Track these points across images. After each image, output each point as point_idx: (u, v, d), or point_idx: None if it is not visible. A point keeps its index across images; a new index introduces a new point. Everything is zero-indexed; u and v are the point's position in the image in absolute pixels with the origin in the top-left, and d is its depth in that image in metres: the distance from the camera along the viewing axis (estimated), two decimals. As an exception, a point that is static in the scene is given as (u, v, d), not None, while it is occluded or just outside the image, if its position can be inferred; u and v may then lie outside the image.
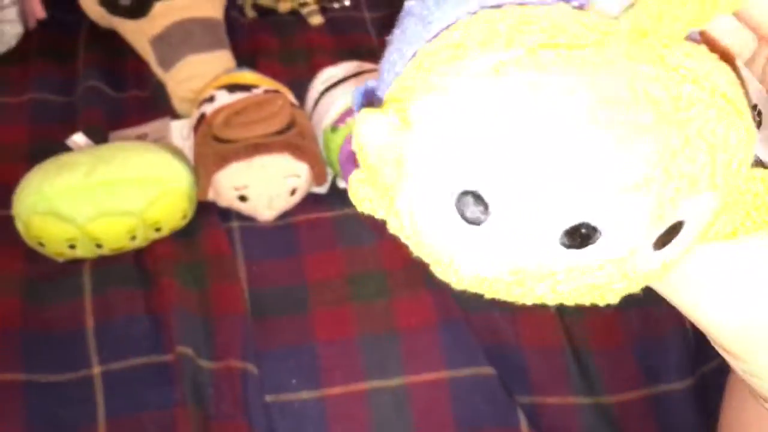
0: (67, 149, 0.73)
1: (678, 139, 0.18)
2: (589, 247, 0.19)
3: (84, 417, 0.59)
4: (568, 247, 0.19)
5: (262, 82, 0.75)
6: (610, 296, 0.21)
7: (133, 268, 0.68)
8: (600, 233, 0.19)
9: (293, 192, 0.71)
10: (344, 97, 0.73)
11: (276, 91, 0.74)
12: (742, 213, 0.21)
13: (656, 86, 0.18)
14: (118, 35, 0.87)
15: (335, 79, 0.77)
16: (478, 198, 0.19)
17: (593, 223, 0.18)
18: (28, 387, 0.60)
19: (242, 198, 0.70)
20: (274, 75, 0.79)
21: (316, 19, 0.95)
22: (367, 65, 0.80)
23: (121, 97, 0.83)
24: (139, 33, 0.84)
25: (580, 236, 0.19)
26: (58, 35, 0.90)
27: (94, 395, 0.60)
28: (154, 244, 0.69)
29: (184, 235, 0.70)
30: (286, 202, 0.71)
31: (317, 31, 0.94)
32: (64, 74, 0.85)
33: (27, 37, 0.88)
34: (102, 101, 0.82)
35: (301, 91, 0.80)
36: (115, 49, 0.87)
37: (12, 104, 0.81)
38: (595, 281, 0.20)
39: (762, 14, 0.21)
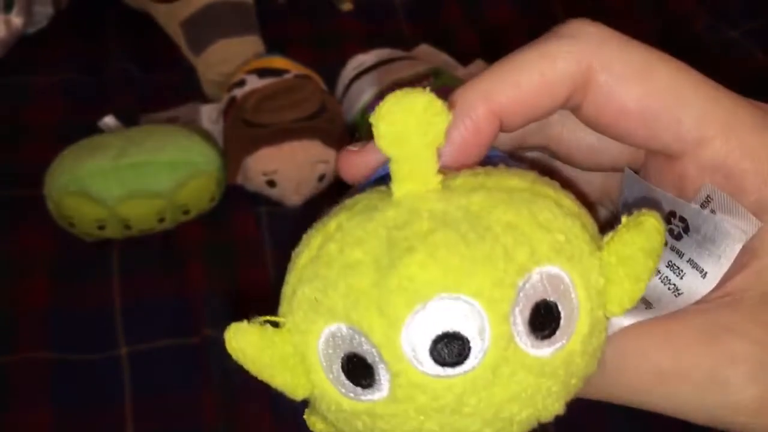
0: (99, 131, 0.73)
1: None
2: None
3: (111, 396, 0.60)
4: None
5: (292, 67, 0.75)
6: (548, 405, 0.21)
7: (161, 250, 0.68)
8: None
9: (322, 178, 0.71)
10: (375, 83, 0.73)
11: (306, 77, 0.74)
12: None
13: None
14: (150, 17, 0.87)
15: (366, 66, 0.76)
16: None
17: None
18: (56, 365, 0.61)
19: (270, 183, 0.70)
20: (304, 60, 0.79)
21: (346, 5, 0.95)
22: (398, 52, 0.80)
23: (152, 80, 0.83)
24: (169, 16, 0.84)
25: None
26: (90, 16, 0.90)
27: (121, 375, 0.61)
28: (182, 227, 0.69)
29: (212, 218, 0.70)
30: (314, 188, 0.71)
31: (347, 17, 0.94)
32: (95, 56, 0.85)
33: (58, 17, 0.89)
34: (133, 84, 0.82)
35: (330, 77, 0.79)
36: (146, 32, 0.87)
37: (44, 84, 0.82)
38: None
39: (643, 134, 0.22)
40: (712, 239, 0.22)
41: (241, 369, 0.64)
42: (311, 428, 0.23)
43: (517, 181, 0.21)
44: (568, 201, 0.21)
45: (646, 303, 0.23)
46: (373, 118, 0.20)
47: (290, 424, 0.59)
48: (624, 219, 0.20)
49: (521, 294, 0.19)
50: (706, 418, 0.22)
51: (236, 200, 0.72)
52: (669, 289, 0.23)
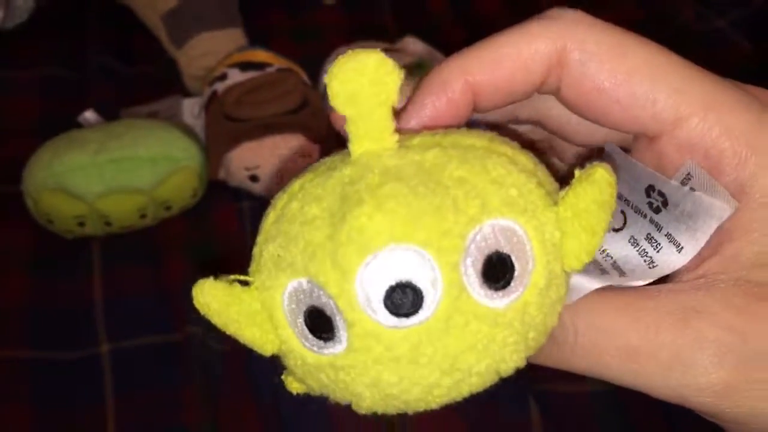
0: (78, 126, 0.72)
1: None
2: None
3: (91, 395, 0.59)
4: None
5: (275, 61, 0.74)
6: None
7: (143, 247, 0.67)
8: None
9: (305, 172, 0.70)
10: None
11: (289, 70, 0.73)
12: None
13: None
14: (130, 11, 0.86)
15: (349, 59, 0.75)
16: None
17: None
18: (35, 364, 0.60)
19: (253, 178, 0.69)
20: (286, 53, 0.78)
21: (330, -2, 0.94)
22: (382, 44, 0.79)
23: (133, 73, 0.82)
24: (150, 9, 0.83)
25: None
26: (70, 10, 0.89)
27: (101, 373, 0.60)
28: (164, 223, 0.68)
29: (194, 214, 0.70)
30: (297, 183, 0.70)
31: (330, 10, 0.93)
32: (75, 50, 0.84)
33: (39, 11, 0.88)
34: (113, 78, 0.81)
35: (313, 70, 0.79)
36: (127, 25, 0.86)
37: (23, 79, 0.81)
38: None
39: (619, 115, 0.22)
40: (691, 215, 0.22)
41: (224, 364, 0.63)
42: (288, 388, 0.24)
43: (474, 140, 0.22)
44: (524, 159, 0.22)
45: (619, 270, 0.23)
46: (327, 78, 0.21)
47: (273, 420, 0.58)
48: (576, 173, 0.21)
49: (472, 246, 0.20)
50: (672, 396, 0.22)
51: (219, 195, 0.71)
52: (645, 260, 0.23)
